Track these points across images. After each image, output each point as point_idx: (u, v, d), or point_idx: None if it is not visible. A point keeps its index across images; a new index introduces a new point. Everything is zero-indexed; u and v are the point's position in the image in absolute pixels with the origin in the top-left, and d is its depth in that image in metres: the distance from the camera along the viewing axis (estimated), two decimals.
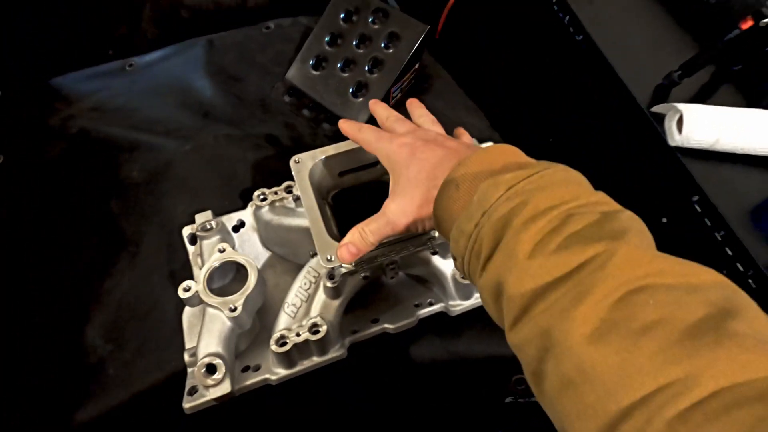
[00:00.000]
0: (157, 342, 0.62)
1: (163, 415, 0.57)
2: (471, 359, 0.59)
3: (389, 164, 0.43)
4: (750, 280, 0.56)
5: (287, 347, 0.49)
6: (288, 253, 0.63)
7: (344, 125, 0.49)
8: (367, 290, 0.57)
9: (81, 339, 0.63)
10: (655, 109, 0.76)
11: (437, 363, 0.58)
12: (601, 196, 0.31)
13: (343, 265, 0.48)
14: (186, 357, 0.53)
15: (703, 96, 0.85)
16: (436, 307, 0.59)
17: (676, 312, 0.23)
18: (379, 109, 0.50)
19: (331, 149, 0.56)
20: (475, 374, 0.59)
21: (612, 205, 0.30)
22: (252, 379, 0.52)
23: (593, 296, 0.25)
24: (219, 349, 0.50)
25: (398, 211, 0.41)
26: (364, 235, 0.44)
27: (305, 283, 0.54)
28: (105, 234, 0.70)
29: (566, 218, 0.28)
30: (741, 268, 0.58)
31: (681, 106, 0.72)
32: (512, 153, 0.35)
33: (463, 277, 0.55)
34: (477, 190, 0.32)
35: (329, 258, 0.46)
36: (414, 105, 0.52)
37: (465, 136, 0.49)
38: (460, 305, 0.58)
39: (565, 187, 0.30)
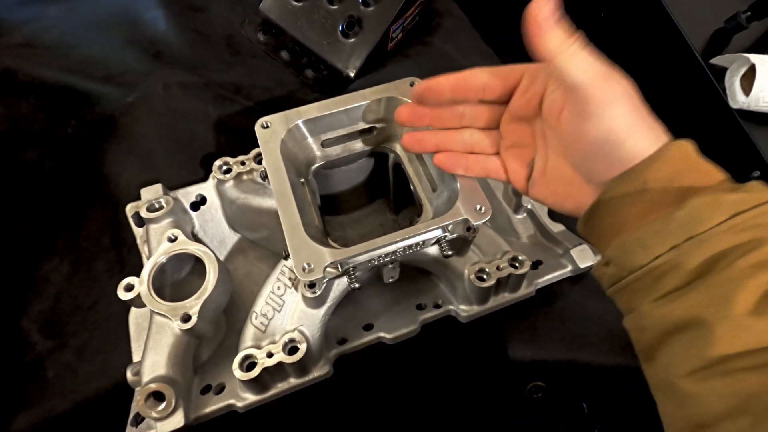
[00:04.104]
0: (102, 341, 0.52)
1: (109, 430, 0.48)
2: (482, 368, 0.50)
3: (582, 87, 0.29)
4: None
5: (255, 372, 0.39)
6: (260, 239, 0.51)
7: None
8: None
9: (16, 332, 0.53)
10: (716, 60, 0.63)
11: (442, 374, 0.49)
12: None
13: (327, 270, 0.36)
14: (129, 375, 0.42)
15: None
16: (443, 311, 0.48)
17: None
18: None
19: (312, 109, 0.43)
20: (487, 384, 0.50)
21: None
22: (213, 405, 0.42)
23: None
24: (169, 372, 0.40)
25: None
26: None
27: (278, 288, 0.42)
28: (38, 205, 0.58)
29: None
30: None
31: (753, 56, 0.58)
32: (701, 161, 0.28)
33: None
34: (682, 204, 0.26)
35: (307, 266, 0.34)
36: None
37: None
38: (472, 310, 0.47)
39: None
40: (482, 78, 0.35)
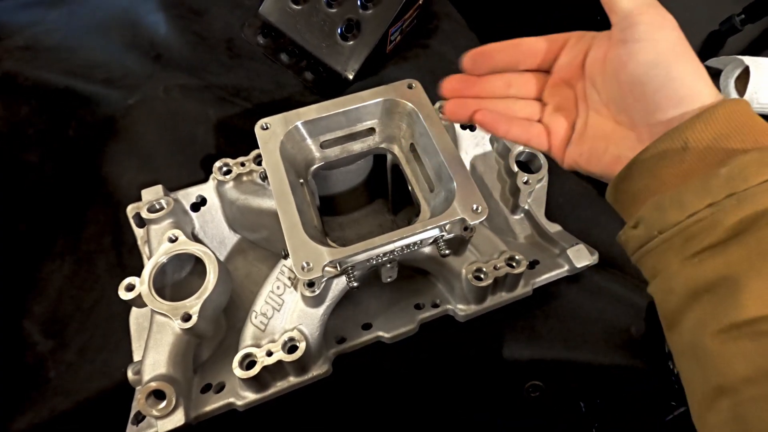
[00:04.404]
0: (103, 341, 0.52)
1: (110, 429, 0.48)
2: (480, 367, 0.50)
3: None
4: None
5: (255, 371, 0.39)
6: (260, 240, 0.51)
7: None
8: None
9: (17, 333, 0.53)
10: (711, 62, 0.63)
11: (441, 373, 0.49)
12: None
13: (326, 268, 0.37)
14: (130, 374, 0.42)
15: (765, 48, 0.71)
16: (441, 310, 0.48)
17: None
18: None
19: (311, 110, 0.43)
20: (485, 383, 0.50)
21: None
22: (213, 404, 0.42)
23: None
24: (169, 370, 0.40)
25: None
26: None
27: (278, 287, 0.43)
28: (39, 207, 0.58)
29: None
30: None
31: (747, 59, 0.59)
32: (755, 121, 0.27)
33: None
34: (725, 162, 0.25)
35: (305, 266, 0.34)
36: None
37: None
38: (470, 309, 0.47)
39: None
40: (531, 42, 0.35)
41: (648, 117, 0.29)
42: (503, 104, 0.36)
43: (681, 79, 0.28)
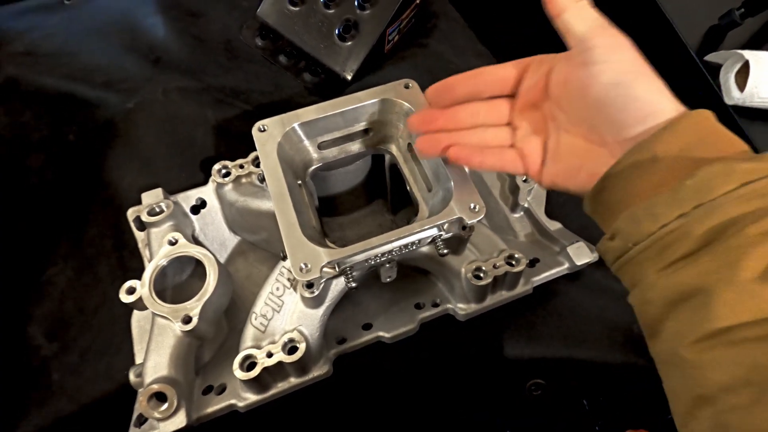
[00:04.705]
0: (106, 344, 0.53)
1: (113, 430, 0.48)
2: (481, 366, 0.50)
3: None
4: None
5: (255, 372, 0.39)
6: (260, 241, 0.52)
7: None
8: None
9: (21, 336, 0.54)
10: (710, 57, 0.63)
11: (441, 373, 0.49)
12: None
13: (324, 269, 0.37)
14: (131, 377, 0.43)
15: (765, 41, 0.70)
16: (441, 309, 0.48)
17: None
18: None
19: (308, 112, 0.43)
20: (487, 382, 0.50)
21: None
22: (215, 406, 0.42)
23: None
24: (171, 372, 0.40)
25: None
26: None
27: (277, 289, 0.43)
28: (41, 211, 0.59)
29: None
30: None
31: (747, 53, 0.58)
32: (720, 131, 0.28)
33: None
34: (692, 173, 0.26)
35: (304, 267, 0.34)
36: None
37: None
38: (470, 308, 0.47)
39: None
40: (493, 71, 0.36)
41: (617, 134, 0.29)
42: (474, 135, 0.36)
43: (643, 97, 0.28)
